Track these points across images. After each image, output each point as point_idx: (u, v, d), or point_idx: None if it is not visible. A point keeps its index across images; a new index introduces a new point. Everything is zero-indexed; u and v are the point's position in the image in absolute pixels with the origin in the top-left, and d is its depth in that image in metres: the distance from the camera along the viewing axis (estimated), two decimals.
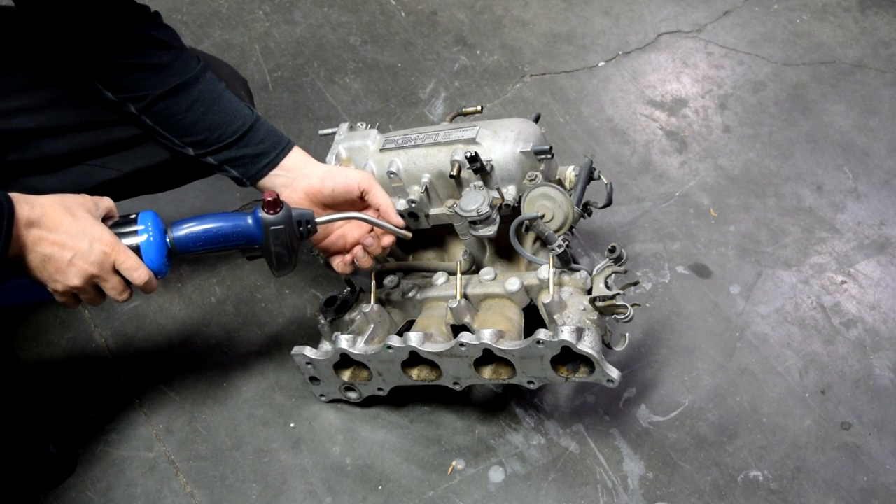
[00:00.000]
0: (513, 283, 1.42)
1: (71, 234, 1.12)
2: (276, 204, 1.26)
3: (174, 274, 1.77)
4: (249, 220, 1.28)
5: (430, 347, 1.36)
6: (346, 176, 1.35)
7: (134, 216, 1.22)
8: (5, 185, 1.35)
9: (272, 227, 1.27)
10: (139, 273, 1.18)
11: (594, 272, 1.38)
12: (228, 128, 1.35)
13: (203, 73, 1.35)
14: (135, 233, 1.21)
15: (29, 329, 1.70)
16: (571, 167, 1.50)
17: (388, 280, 1.55)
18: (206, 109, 1.34)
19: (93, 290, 1.18)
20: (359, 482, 1.48)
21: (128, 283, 1.20)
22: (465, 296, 1.44)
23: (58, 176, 1.38)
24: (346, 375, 1.49)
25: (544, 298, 1.35)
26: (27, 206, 1.09)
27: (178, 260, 1.28)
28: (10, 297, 1.19)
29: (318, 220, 1.32)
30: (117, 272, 1.18)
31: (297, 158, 1.39)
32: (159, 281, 1.23)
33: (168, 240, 1.23)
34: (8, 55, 1.34)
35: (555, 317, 1.34)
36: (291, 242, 1.30)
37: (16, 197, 1.08)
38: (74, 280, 1.14)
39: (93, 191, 1.44)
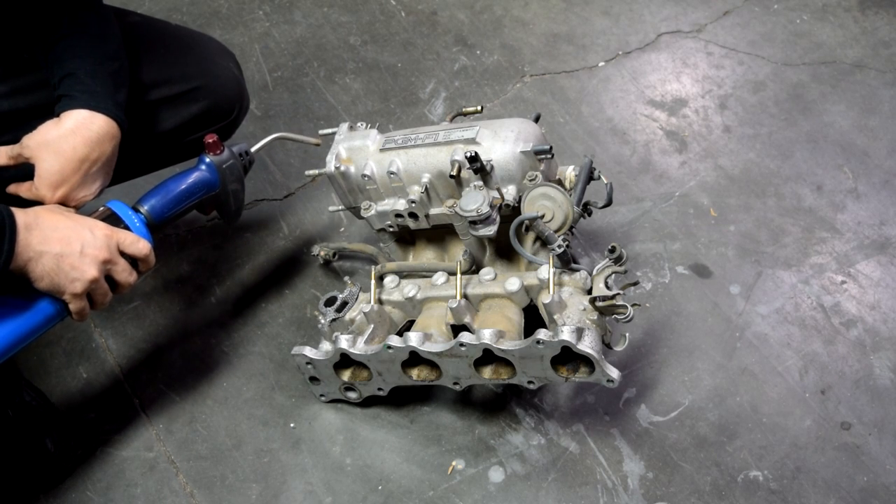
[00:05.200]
0: (513, 283, 1.42)
1: (71, 228, 1.15)
2: (218, 144, 1.38)
3: (174, 274, 1.77)
4: (203, 168, 1.39)
5: (430, 347, 1.36)
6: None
7: (104, 207, 1.28)
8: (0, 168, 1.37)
9: (224, 166, 1.40)
10: (142, 244, 1.23)
11: (594, 272, 1.38)
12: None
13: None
14: (116, 217, 1.26)
15: None
16: (571, 167, 1.50)
17: (388, 280, 1.55)
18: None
19: (105, 281, 1.20)
20: (359, 482, 1.48)
21: (133, 265, 1.23)
22: (465, 296, 1.44)
23: None
24: (346, 375, 1.49)
25: (544, 298, 1.35)
26: (21, 213, 1.10)
27: (156, 229, 1.33)
28: (22, 325, 1.16)
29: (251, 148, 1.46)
30: (121, 253, 1.21)
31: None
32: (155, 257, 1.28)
33: (143, 214, 1.30)
34: None
35: (555, 317, 1.34)
36: (241, 176, 1.43)
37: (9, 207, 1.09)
38: (91, 271, 1.15)
39: None
